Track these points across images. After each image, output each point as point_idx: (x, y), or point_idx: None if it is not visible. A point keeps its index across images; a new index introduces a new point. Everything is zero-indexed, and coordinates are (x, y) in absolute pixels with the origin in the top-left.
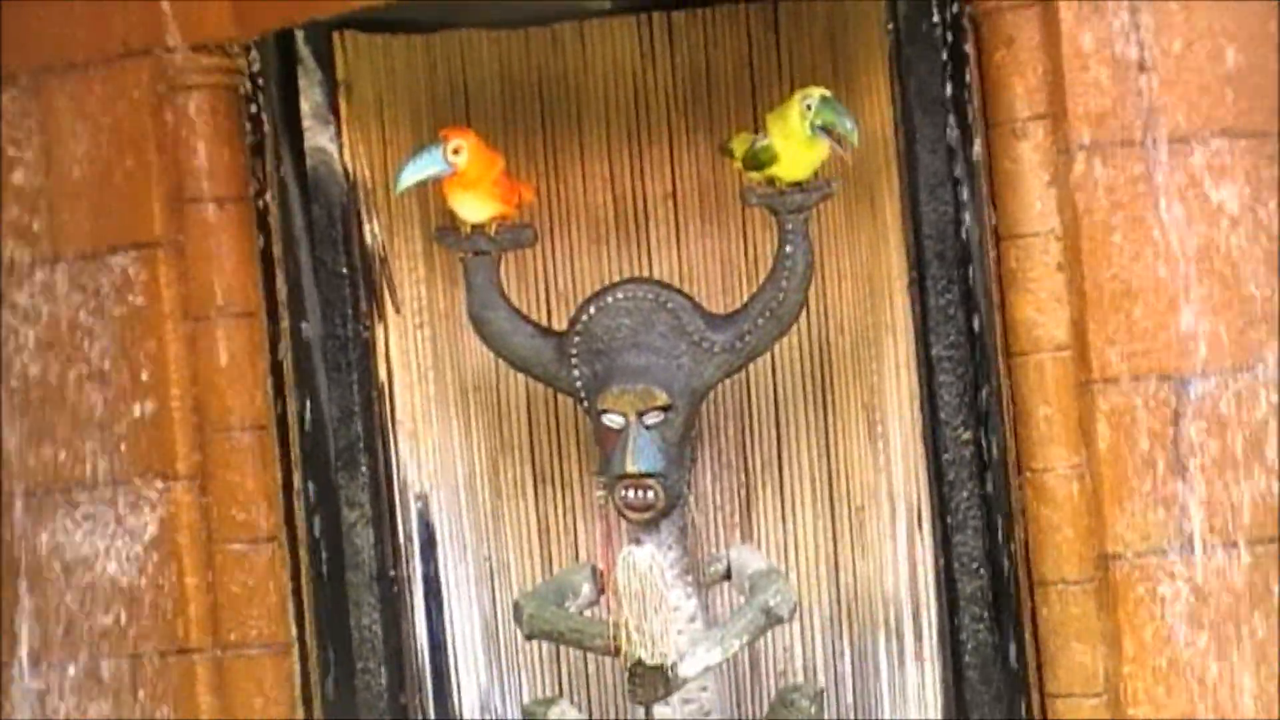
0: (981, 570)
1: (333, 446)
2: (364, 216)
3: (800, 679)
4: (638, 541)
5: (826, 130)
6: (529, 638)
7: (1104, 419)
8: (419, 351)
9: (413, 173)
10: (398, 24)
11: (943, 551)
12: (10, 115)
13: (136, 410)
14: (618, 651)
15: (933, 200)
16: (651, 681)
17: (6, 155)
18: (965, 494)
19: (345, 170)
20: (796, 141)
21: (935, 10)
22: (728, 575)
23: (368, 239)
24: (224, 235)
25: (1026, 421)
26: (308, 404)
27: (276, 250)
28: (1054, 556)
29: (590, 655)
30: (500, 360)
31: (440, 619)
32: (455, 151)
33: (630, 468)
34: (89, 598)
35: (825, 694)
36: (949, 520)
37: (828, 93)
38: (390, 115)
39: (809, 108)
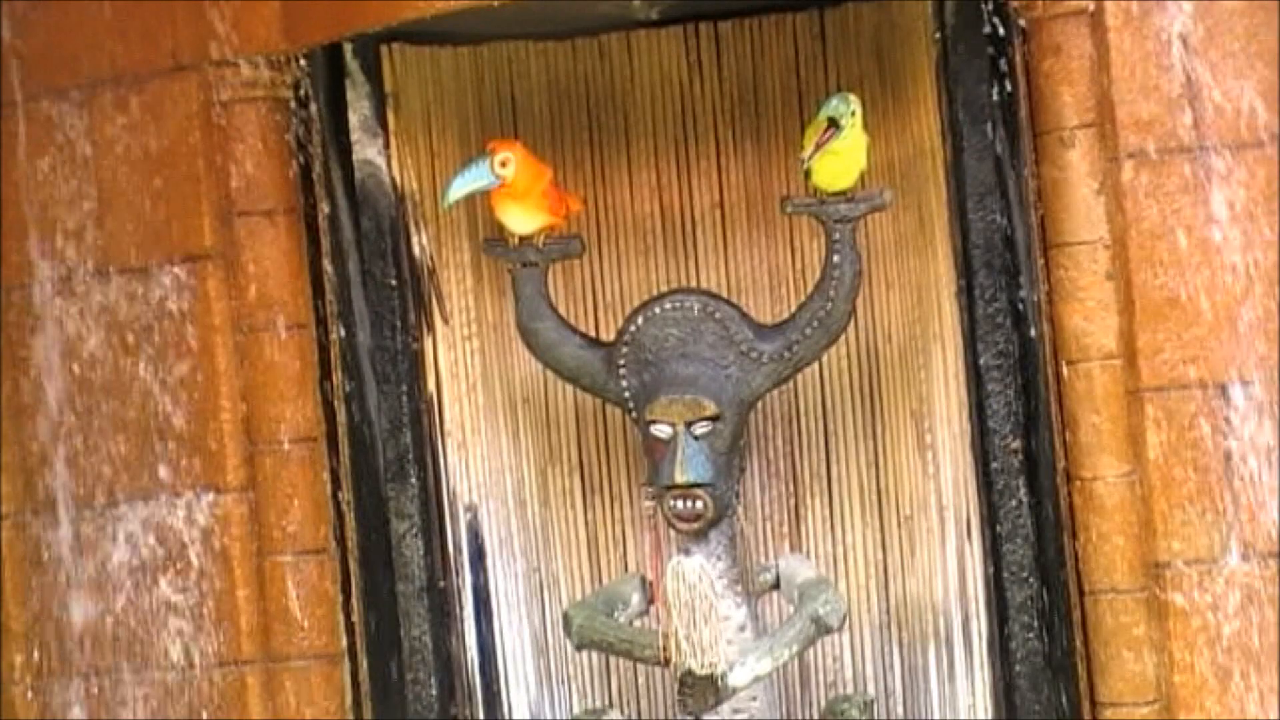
0: (1031, 579)
1: (382, 458)
2: (412, 228)
3: (850, 689)
4: (687, 552)
5: (834, 123)
6: (579, 648)
7: (1153, 427)
8: (468, 363)
9: (460, 186)
10: (445, 36)
11: (992, 560)
12: (62, 129)
13: (186, 422)
14: (667, 662)
15: (980, 209)
16: (701, 691)
17: (59, 169)
18: (1014, 503)
19: (394, 182)
20: (827, 153)
21: (983, 19)
22: (777, 585)
23: (416, 251)
24: (273, 247)
25: (1075, 430)
26: (357, 416)
27: (326, 262)
28: (1104, 565)
29: (640, 666)
30: (549, 371)
31: (490, 630)
32: (503, 164)
33: (679, 478)
34: (139, 610)
35: (875, 704)
36: (998, 529)
37: (851, 95)
38: (438, 127)
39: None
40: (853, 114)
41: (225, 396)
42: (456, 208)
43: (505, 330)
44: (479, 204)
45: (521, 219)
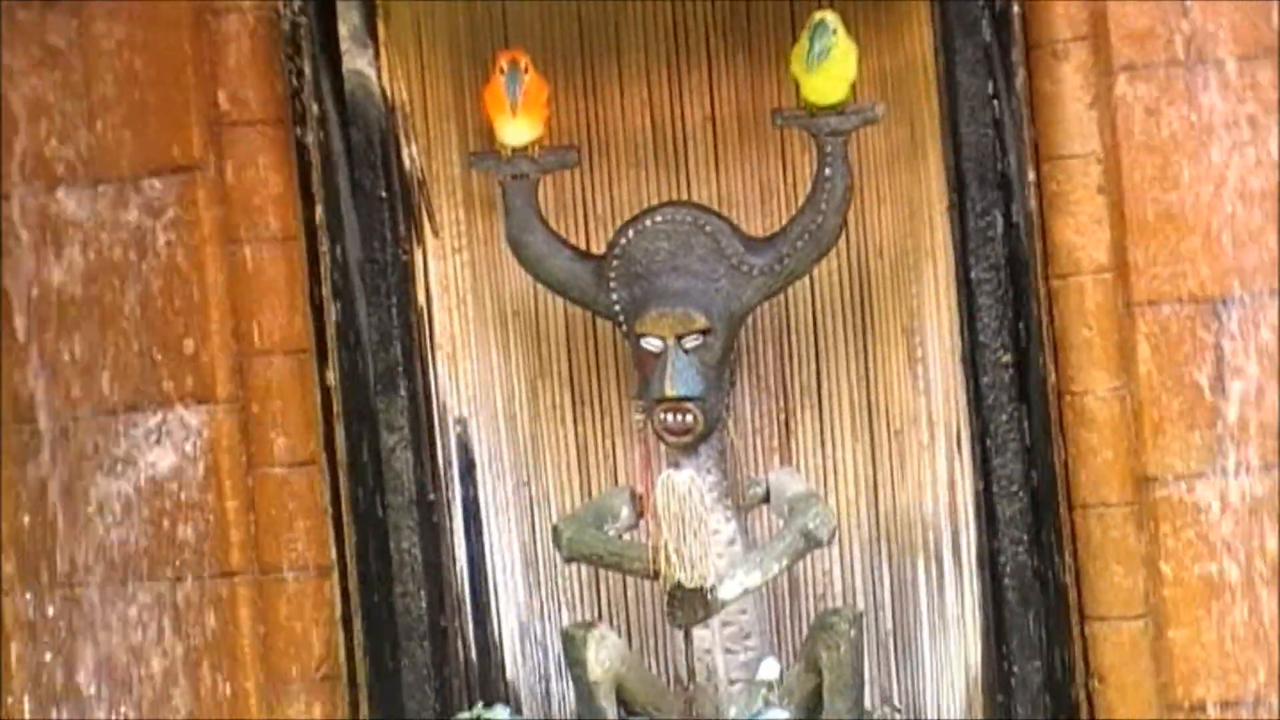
0: (1021, 493)
1: (372, 370)
2: (402, 140)
3: (839, 602)
4: (676, 465)
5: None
6: (568, 561)
7: (1145, 341)
8: (458, 276)
9: (517, 94)
10: None
11: (982, 475)
12: (49, 38)
13: (175, 334)
14: (657, 575)
15: (973, 123)
16: (690, 604)
17: (47, 77)
18: (1005, 417)
19: (383, 93)
20: (805, 69)
21: None
22: (767, 499)
23: (406, 163)
24: (262, 159)
25: (1066, 344)
26: (346, 328)
27: (315, 174)
28: (1093, 479)
29: (629, 579)
30: (539, 284)
31: (479, 543)
32: (525, 71)
33: (669, 391)
34: (128, 522)
35: (864, 617)
36: (988, 443)
37: (827, 15)
38: (428, 38)
39: (810, 37)
40: (833, 33)
41: (214, 308)
42: (446, 119)
43: (495, 243)
44: (470, 115)
45: (523, 130)
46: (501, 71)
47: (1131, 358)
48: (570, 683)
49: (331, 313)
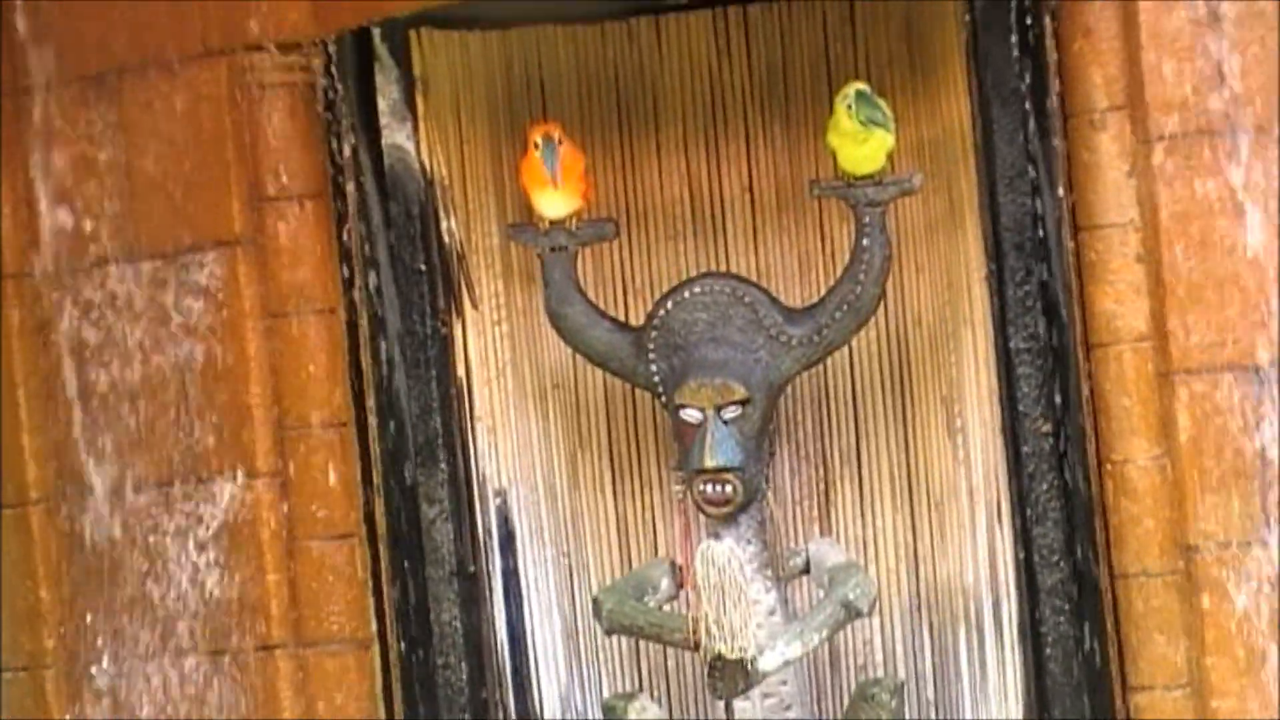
0: (1062, 563)
1: (412, 442)
2: (441, 213)
3: (880, 673)
4: (716, 536)
5: (874, 123)
6: (609, 633)
7: (1184, 410)
8: (497, 348)
9: (553, 168)
10: (474, 20)
11: (1023, 544)
12: (91, 113)
13: (217, 407)
14: (697, 646)
15: (1010, 192)
16: (731, 676)
17: (88, 154)
18: (1045, 486)
19: (422, 167)
20: (848, 138)
21: (1012, 1)
22: (807, 569)
23: (445, 236)
24: (303, 233)
25: (1106, 413)
26: (387, 400)
27: (355, 247)
28: (1135, 548)
29: (670, 650)
30: (578, 356)
31: (520, 614)
32: (560, 143)
33: (708, 462)
34: (172, 595)
35: (905, 688)
36: (1029, 513)
37: (864, 86)
38: (467, 112)
39: (849, 106)
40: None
41: (256, 381)
42: (484, 191)
43: (534, 315)
44: (508, 188)
45: (559, 203)
46: (536, 146)
47: (1172, 426)
48: None
49: (372, 385)
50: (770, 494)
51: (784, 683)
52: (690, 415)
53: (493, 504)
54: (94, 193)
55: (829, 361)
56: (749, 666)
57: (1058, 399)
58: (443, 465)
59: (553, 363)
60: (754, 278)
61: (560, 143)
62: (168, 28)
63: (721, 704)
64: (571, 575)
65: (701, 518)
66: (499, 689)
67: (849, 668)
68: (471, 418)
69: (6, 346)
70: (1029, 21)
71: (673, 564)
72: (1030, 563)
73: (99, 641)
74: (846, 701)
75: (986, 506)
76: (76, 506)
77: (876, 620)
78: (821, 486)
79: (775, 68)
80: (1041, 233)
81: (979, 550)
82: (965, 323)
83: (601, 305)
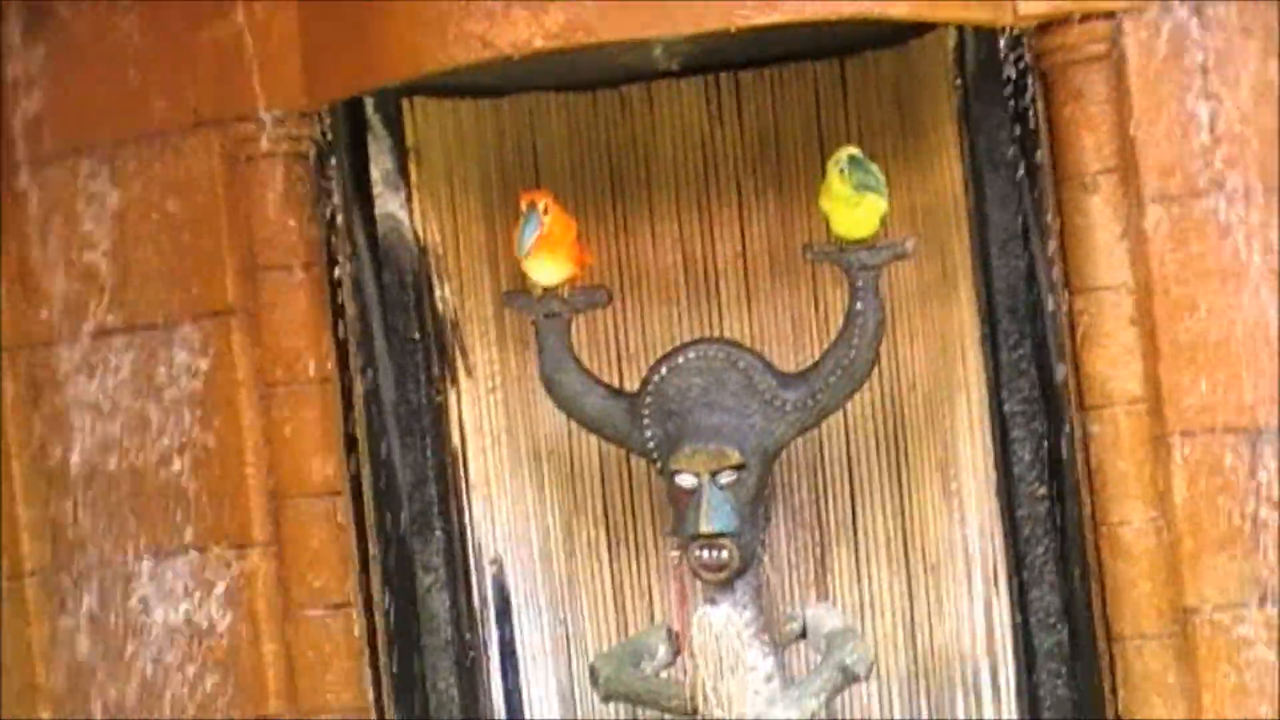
0: (1058, 626)
1: (407, 512)
2: (435, 281)
3: None
4: (713, 601)
5: (867, 188)
6: (605, 700)
7: (1180, 472)
8: (491, 415)
9: (530, 237)
10: (466, 89)
11: (1019, 608)
12: (83, 185)
13: (211, 478)
14: (694, 712)
15: (1003, 255)
16: None
17: (83, 226)
18: (1041, 549)
19: (416, 235)
20: (841, 203)
21: (1003, 65)
22: (804, 634)
23: (439, 304)
24: (296, 302)
25: (1101, 476)
26: (381, 470)
27: (349, 317)
28: (1131, 611)
29: (667, 717)
30: (573, 422)
31: (516, 682)
32: (545, 212)
33: (704, 527)
34: (167, 667)
35: None
36: (1025, 576)
37: (856, 151)
38: (460, 180)
39: (842, 171)
40: (872, 163)
41: (249, 452)
42: (478, 260)
43: (529, 382)
44: (501, 256)
45: (551, 270)
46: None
47: (1167, 488)
48: None
49: (366, 454)
50: (767, 559)
51: None
52: (685, 481)
53: (488, 572)
54: (88, 264)
55: (824, 426)
56: None
57: (1053, 462)
58: (438, 533)
59: (547, 430)
60: (748, 342)
61: (546, 211)
62: (160, 99)
63: None
64: (568, 642)
65: (698, 583)
66: None
67: None
68: (467, 486)
69: (1, 418)
70: (1020, 86)
71: (669, 630)
72: (1027, 626)
73: (95, 714)
74: None
75: (983, 570)
76: (71, 580)
77: (874, 685)
78: (818, 551)
79: (768, 133)
80: (1034, 296)
81: (975, 614)
82: (960, 386)
83: (596, 371)
